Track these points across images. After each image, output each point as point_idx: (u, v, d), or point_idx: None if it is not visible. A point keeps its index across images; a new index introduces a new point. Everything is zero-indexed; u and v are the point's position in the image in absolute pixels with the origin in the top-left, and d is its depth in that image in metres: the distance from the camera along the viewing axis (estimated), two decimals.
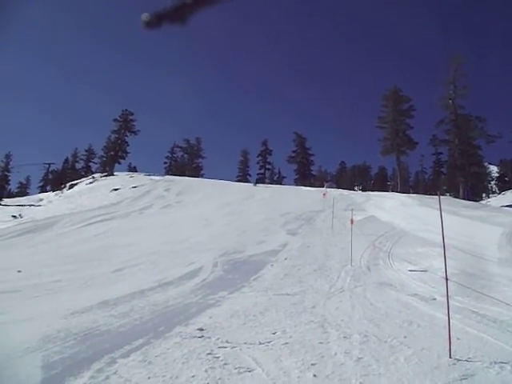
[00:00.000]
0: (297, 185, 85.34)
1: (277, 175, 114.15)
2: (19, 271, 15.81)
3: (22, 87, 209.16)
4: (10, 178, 79.91)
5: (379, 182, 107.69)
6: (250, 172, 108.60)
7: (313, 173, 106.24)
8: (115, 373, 6.10)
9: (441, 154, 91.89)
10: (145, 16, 1.17)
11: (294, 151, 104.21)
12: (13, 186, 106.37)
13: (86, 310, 9.71)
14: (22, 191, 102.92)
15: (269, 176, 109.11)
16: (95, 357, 6.67)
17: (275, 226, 27.11)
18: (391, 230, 24.57)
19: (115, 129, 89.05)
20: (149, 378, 6.02)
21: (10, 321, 9.01)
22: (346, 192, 55.68)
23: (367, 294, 11.62)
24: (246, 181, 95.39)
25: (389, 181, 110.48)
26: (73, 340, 7.53)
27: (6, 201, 56.44)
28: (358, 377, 6.09)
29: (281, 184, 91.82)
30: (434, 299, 10.92)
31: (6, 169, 70.21)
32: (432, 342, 7.52)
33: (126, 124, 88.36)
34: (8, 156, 71.08)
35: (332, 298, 11.17)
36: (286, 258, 17.13)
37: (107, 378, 5.95)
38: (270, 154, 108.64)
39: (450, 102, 69.68)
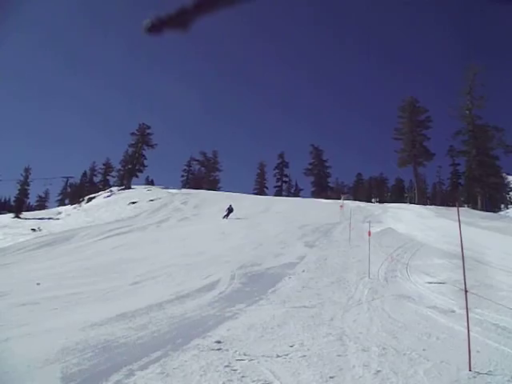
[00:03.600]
0: (314, 197, 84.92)
1: (294, 188, 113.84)
2: (38, 284, 15.91)
3: (44, 103, 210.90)
4: (29, 191, 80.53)
5: (396, 194, 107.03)
6: (266, 184, 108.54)
7: (330, 185, 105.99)
8: None
9: (458, 164, 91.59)
10: (146, 22, 1.18)
11: (310, 163, 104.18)
12: (32, 200, 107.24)
13: (105, 322, 9.74)
14: (41, 205, 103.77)
15: (286, 188, 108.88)
16: (113, 369, 6.69)
17: (292, 238, 27.01)
18: (409, 242, 24.40)
19: (132, 142, 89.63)
20: None
21: (29, 332, 9.07)
22: (363, 204, 55.52)
23: (385, 307, 11.54)
24: (264, 193, 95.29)
25: (406, 192, 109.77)
26: (91, 352, 7.56)
27: (25, 214, 56.81)
28: None
29: (298, 196, 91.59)
30: (453, 311, 10.82)
31: (26, 182, 70.64)
32: (451, 355, 7.45)
33: (143, 137, 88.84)
34: (27, 170, 71.61)
35: (350, 311, 11.10)
36: (303, 271, 17.05)
37: None
38: (287, 167, 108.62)
39: (467, 112, 69.41)
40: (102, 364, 6.98)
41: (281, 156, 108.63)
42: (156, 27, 1.18)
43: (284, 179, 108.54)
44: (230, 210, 42.32)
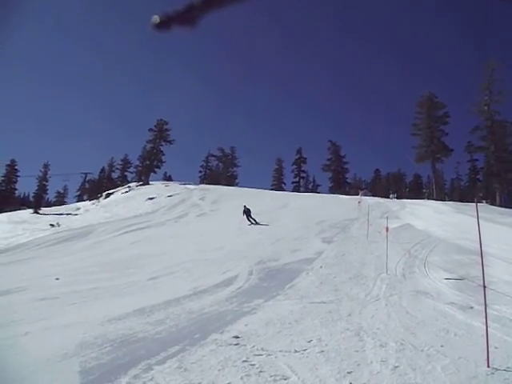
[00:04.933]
0: (332, 193, 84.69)
1: (311, 183, 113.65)
2: (57, 279, 16.05)
3: (63, 99, 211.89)
4: (47, 187, 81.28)
5: (414, 190, 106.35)
6: (284, 180, 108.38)
7: (348, 181, 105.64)
8: (151, 379, 6.15)
9: (476, 160, 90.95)
10: (155, 18, 1.19)
11: (328, 159, 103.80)
12: (51, 196, 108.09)
13: (123, 317, 9.80)
14: (60, 200, 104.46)
15: (303, 184, 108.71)
16: (132, 363, 6.74)
17: (310, 234, 26.94)
18: (427, 238, 24.27)
19: (150, 138, 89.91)
20: None
21: (48, 327, 9.17)
22: (381, 200, 55.14)
23: (403, 303, 11.50)
24: (281, 189, 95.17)
25: (424, 188, 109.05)
26: (109, 346, 7.62)
27: (44, 210, 57.24)
28: None
29: (316, 192, 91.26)
30: (471, 308, 10.77)
31: (45, 178, 71.15)
32: (469, 351, 7.42)
33: (161, 133, 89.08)
34: (46, 166, 72.16)
35: (368, 306, 11.08)
36: (321, 266, 17.00)
37: None
38: (305, 163, 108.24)
39: (486, 107, 68.81)
40: (120, 358, 7.03)
41: (298, 151, 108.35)
42: (164, 23, 1.19)
43: (302, 175, 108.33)
44: (247, 211, 35.01)
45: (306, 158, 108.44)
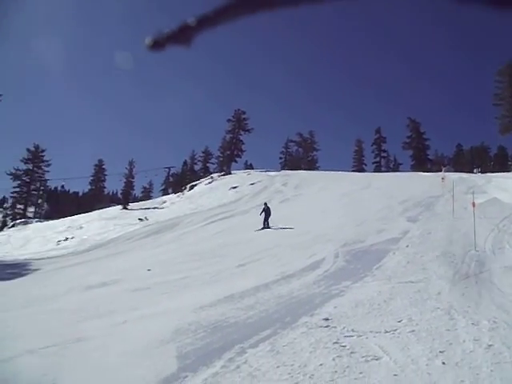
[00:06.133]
0: (414, 171, 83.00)
1: (393, 163, 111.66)
2: (149, 270, 16.57)
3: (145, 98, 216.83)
4: (134, 183, 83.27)
5: (499, 163, 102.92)
6: (365, 161, 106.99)
7: (429, 157, 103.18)
8: (245, 362, 6.34)
9: None
10: (148, 39, 1.19)
11: (408, 137, 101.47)
12: (137, 191, 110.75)
13: (214, 303, 10.06)
14: (146, 195, 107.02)
15: (384, 164, 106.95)
16: (225, 347, 6.96)
17: (394, 213, 26.58)
18: None
19: (229, 129, 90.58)
20: (278, 366, 6.20)
21: (144, 315, 9.55)
22: (464, 175, 53.67)
23: (494, 279, 11.29)
24: (362, 170, 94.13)
25: (510, 161, 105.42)
26: (203, 332, 7.87)
27: (131, 205, 58.72)
28: (488, 364, 6.01)
29: (397, 171, 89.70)
30: None
31: (131, 175, 72.94)
32: None
33: (239, 123, 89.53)
34: (131, 163, 73.88)
35: (457, 285, 10.93)
36: (407, 246, 16.78)
37: (238, 367, 6.20)
38: (385, 142, 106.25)
39: None
40: (214, 343, 7.26)
41: (378, 131, 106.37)
42: (158, 44, 1.23)
43: (382, 155, 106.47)
44: (266, 211, 28.88)
45: (385, 138, 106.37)
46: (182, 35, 1.20)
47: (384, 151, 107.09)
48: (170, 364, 6.43)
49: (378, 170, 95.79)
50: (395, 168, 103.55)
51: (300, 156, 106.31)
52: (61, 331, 8.63)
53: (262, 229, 27.17)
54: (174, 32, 1.19)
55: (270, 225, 27.68)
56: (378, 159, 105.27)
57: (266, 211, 28.68)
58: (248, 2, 1.07)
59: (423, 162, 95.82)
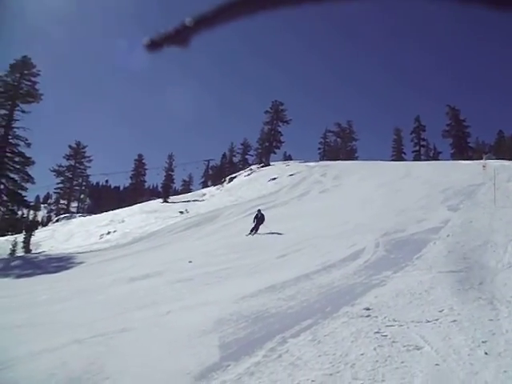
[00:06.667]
0: (454, 159, 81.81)
1: (432, 151, 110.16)
2: (190, 262, 16.77)
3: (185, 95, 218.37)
4: (174, 176, 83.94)
5: None
6: (404, 150, 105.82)
7: (470, 145, 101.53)
8: (287, 351, 6.39)
9: None
10: (145, 40, 1.19)
11: (448, 125, 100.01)
12: (177, 184, 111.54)
13: (255, 294, 10.13)
14: (186, 188, 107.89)
15: (424, 153, 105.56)
16: (267, 337, 7.01)
17: (434, 202, 26.24)
18: None
19: (267, 120, 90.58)
20: (319, 356, 6.23)
21: (187, 306, 9.70)
22: (506, 163, 52.69)
23: None
24: (401, 159, 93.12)
25: None
26: (245, 322, 7.94)
27: (172, 198, 59.26)
28: None
29: (437, 160, 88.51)
30: None
31: (170, 169, 73.59)
32: None
33: (277, 114, 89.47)
34: (171, 157, 74.53)
35: (499, 274, 10.76)
36: (448, 235, 16.59)
37: (280, 356, 6.25)
38: (424, 130, 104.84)
39: None
40: (256, 333, 7.33)
41: (417, 119, 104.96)
42: (155, 44, 1.23)
43: (422, 143, 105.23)
44: (259, 218, 26.91)
45: (424, 126, 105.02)
46: (180, 36, 1.19)
47: (423, 140, 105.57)
48: (213, 353, 6.51)
49: (417, 158, 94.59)
50: (435, 157, 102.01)
51: (339, 146, 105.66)
52: (106, 322, 8.85)
53: (250, 234, 25.27)
54: (172, 32, 1.19)
55: (257, 231, 25.73)
56: (417, 148, 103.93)
57: (260, 218, 26.96)
58: (248, 2, 1.08)
59: (463, 150, 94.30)
